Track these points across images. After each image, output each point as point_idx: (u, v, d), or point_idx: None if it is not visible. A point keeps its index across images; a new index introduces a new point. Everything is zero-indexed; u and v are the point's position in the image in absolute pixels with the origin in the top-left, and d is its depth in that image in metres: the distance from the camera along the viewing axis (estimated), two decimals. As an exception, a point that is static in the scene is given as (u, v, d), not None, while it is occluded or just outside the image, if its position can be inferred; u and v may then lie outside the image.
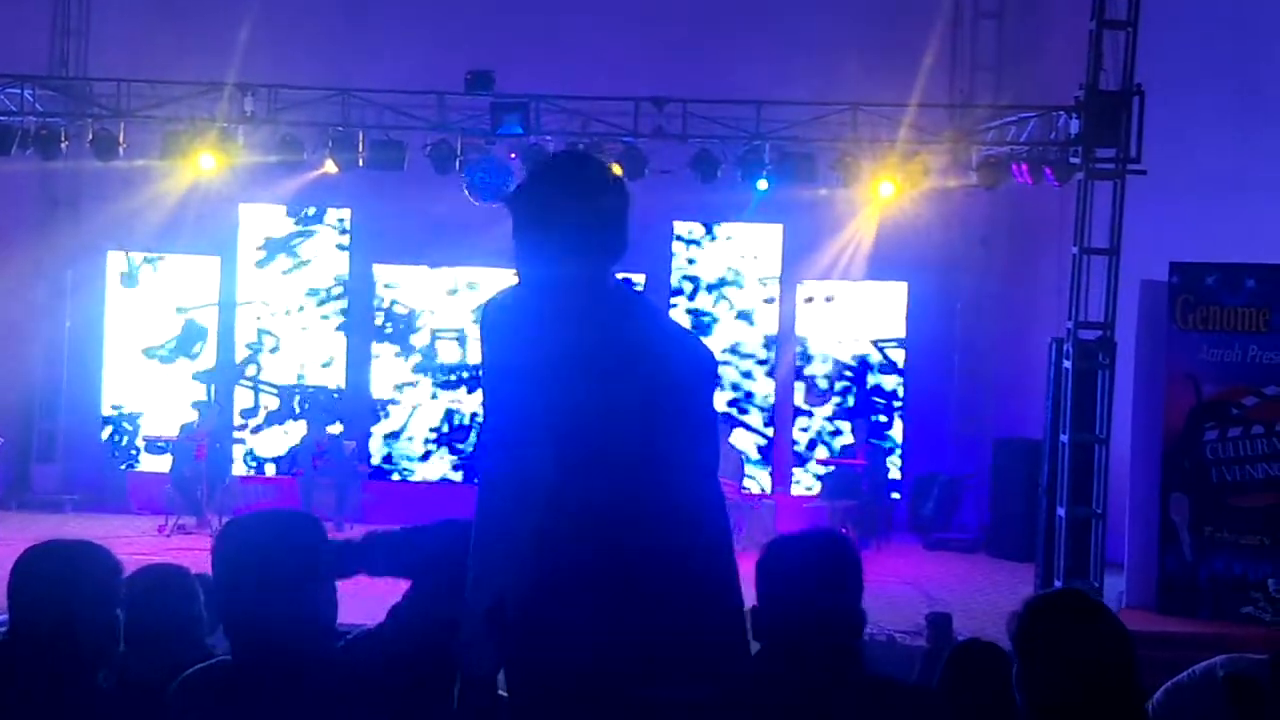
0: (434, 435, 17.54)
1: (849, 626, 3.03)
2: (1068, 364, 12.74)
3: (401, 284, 17.52)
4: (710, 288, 17.65)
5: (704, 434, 3.32)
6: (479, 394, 3.65)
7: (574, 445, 3.08)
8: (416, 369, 17.52)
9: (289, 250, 17.57)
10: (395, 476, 17.47)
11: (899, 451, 17.49)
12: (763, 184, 14.91)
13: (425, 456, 17.55)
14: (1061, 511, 12.69)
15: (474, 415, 17.08)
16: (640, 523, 3.09)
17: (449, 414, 17.52)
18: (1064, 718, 2.83)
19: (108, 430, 17.54)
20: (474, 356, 16.71)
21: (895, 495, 17.23)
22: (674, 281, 17.49)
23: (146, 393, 17.56)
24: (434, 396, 17.55)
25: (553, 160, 3.68)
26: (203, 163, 14.63)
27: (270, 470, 17.56)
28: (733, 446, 16.35)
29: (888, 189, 15.24)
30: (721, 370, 17.46)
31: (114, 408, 17.56)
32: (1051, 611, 2.94)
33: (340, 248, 17.58)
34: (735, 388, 17.62)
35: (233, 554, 3.06)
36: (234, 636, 3.06)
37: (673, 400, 3.20)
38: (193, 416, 16.70)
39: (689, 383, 3.29)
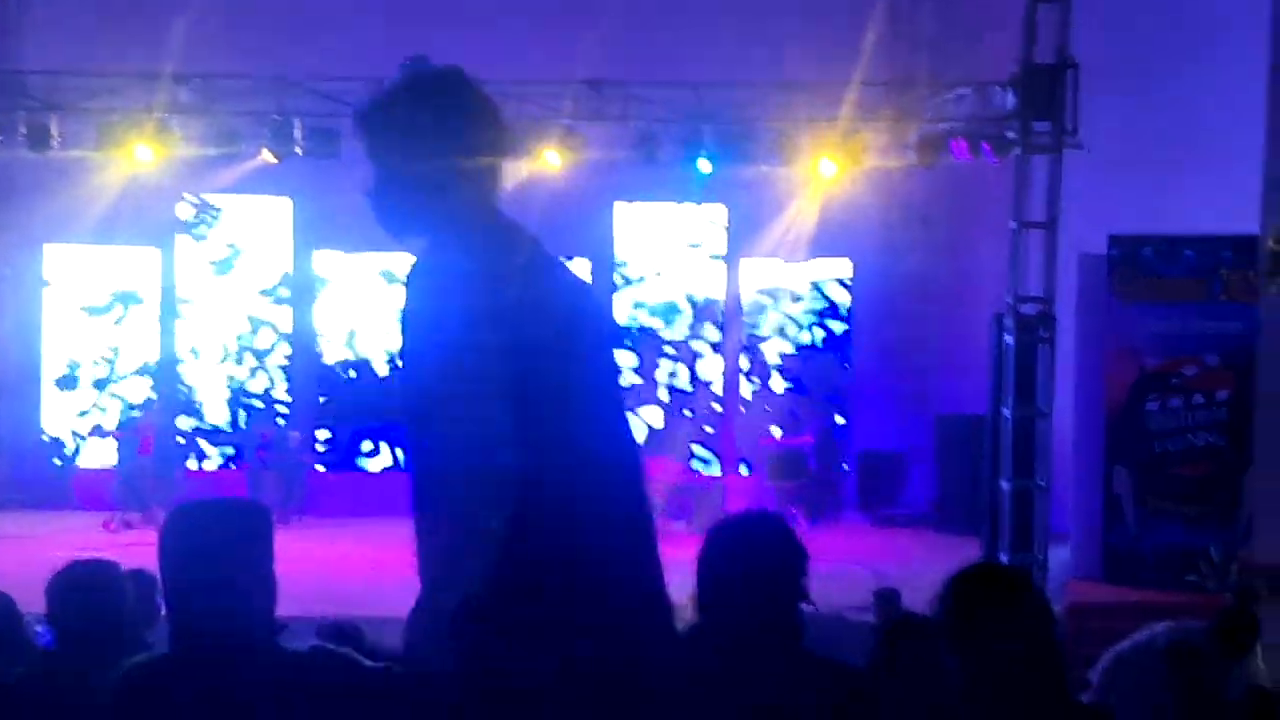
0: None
1: (784, 602, 3.03)
2: (1009, 339, 12.81)
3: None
4: (653, 269, 17.68)
5: (606, 392, 3.15)
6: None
7: (515, 430, 2.95)
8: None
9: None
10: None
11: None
12: (704, 164, 14.87)
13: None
14: (1005, 485, 12.75)
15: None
16: (558, 499, 2.95)
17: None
18: (991, 687, 2.87)
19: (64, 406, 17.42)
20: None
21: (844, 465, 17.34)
22: (616, 262, 17.51)
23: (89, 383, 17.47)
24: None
25: (413, 81, 3.13)
26: (138, 154, 14.46)
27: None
28: (677, 427, 16.37)
29: (829, 168, 15.24)
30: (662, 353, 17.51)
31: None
32: (967, 586, 2.97)
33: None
34: (681, 368, 17.66)
35: (174, 541, 3.03)
36: (174, 626, 3.03)
37: (575, 362, 3.04)
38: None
39: (590, 342, 3.13)
